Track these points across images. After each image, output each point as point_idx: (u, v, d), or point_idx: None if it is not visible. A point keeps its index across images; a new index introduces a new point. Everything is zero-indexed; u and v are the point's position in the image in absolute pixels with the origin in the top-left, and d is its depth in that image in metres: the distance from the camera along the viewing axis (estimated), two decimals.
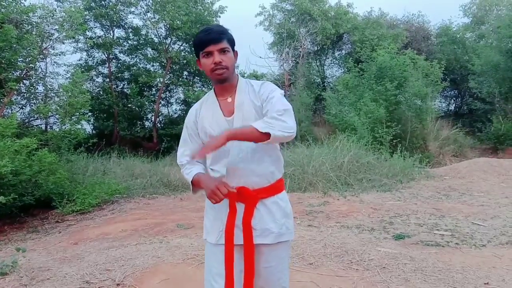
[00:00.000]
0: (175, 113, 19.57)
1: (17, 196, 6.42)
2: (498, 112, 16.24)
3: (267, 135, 1.80)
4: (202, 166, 2.10)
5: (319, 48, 21.85)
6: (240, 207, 1.97)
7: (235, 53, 2.03)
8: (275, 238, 2.00)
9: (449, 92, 22.19)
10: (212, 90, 2.10)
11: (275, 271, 2.03)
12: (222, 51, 1.92)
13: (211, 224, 2.06)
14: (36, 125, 10.88)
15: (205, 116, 2.05)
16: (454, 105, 22.92)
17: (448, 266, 3.80)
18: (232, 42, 1.99)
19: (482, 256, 4.10)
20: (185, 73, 19.21)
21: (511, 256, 4.09)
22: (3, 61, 8.46)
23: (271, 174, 2.02)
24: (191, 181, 2.03)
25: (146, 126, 18.55)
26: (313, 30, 19.82)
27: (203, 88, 18.83)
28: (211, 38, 1.90)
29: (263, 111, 1.95)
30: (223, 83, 2.00)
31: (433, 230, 5.17)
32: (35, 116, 10.16)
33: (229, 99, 2.02)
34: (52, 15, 9.71)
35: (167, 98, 19.41)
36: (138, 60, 18.33)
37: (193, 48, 2.08)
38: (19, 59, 9.20)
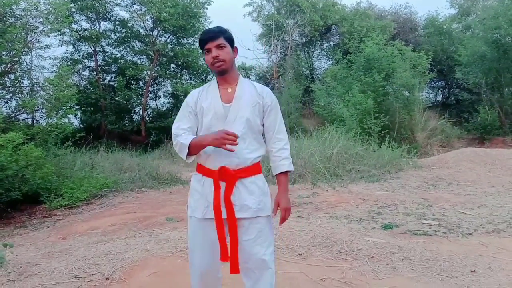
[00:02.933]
0: (163, 106, 19.47)
1: (3, 192, 6.34)
2: (485, 103, 16.43)
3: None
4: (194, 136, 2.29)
5: (307, 39, 21.85)
6: (221, 185, 2.20)
7: (235, 49, 2.31)
8: (254, 213, 2.22)
9: (436, 83, 22.37)
10: (215, 79, 2.36)
11: (254, 244, 2.22)
12: (219, 47, 2.20)
13: (196, 202, 2.27)
14: (22, 120, 10.72)
15: (205, 98, 2.30)
16: (441, 95, 23.13)
17: (435, 254, 3.85)
18: (230, 40, 2.26)
19: (469, 245, 4.16)
20: (173, 65, 19.10)
21: (497, 244, 4.15)
22: None
23: (251, 158, 2.25)
24: (189, 144, 2.20)
25: (134, 120, 18.44)
26: (302, 21, 19.80)
27: (191, 81, 18.74)
28: (209, 37, 2.21)
29: (264, 116, 2.31)
30: (223, 74, 2.27)
31: (420, 220, 5.23)
32: (21, 110, 10.00)
33: (229, 90, 2.29)
34: (36, 7, 9.53)
35: (155, 91, 19.30)
36: (125, 53, 18.18)
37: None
38: (3, 53, 9.05)
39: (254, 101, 2.27)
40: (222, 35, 2.23)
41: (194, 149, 2.20)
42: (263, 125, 2.33)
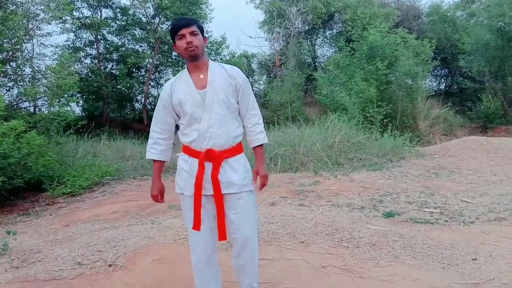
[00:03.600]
0: None
1: (6, 179, 6.37)
2: (488, 91, 16.34)
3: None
4: (166, 147, 2.57)
5: (310, 27, 21.68)
6: (208, 165, 2.38)
7: (205, 39, 2.46)
8: (239, 188, 2.43)
9: (440, 71, 22.23)
10: (185, 68, 2.49)
11: (241, 216, 2.44)
12: (193, 33, 2.36)
13: (185, 181, 2.45)
14: (24, 108, 10.74)
15: (179, 89, 2.43)
16: (444, 84, 22.99)
17: (437, 242, 3.85)
18: (201, 29, 2.43)
19: (471, 233, 4.16)
20: (174, 53, 18.98)
21: (498, 232, 4.15)
22: None
23: (234, 138, 2.45)
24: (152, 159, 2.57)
25: (136, 108, 18.41)
26: (304, 9, 19.63)
27: None
28: (183, 23, 2.36)
29: (238, 95, 2.49)
30: (195, 60, 2.41)
31: (422, 208, 5.23)
32: (23, 98, 10.02)
33: (201, 76, 2.43)
34: None
35: (157, 79, 19.24)
36: (126, 41, 18.06)
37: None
38: (4, 41, 9.02)
39: (226, 83, 2.44)
40: (195, 23, 2.39)
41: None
42: (238, 104, 2.51)
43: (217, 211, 2.41)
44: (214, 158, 2.38)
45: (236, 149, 2.48)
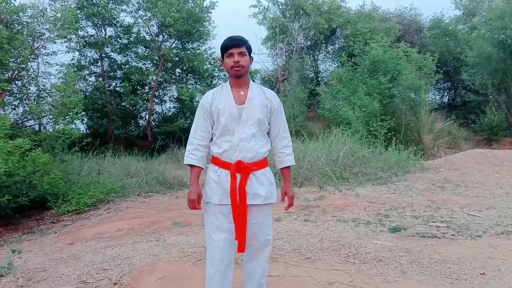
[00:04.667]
0: (169, 111, 19.48)
1: (11, 197, 6.36)
2: (491, 104, 16.33)
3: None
4: (205, 154, 2.64)
5: (312, 42, 21.83)
6: (237, 177, 2.51)
7: (251, 58, 2.61)
8: (263, 200, 2.59)
9: (443, 85, 22.25)
10: (228, 82, 2.66)
11: (260, 226, 2.62)
12: (241, 54, 2.51)
13: (213, 191, 2.58)
14: (30, 126, 10.79)
15: (220, 100, 2.58)
16: (447, 97, 23.00)
17: (444, 257, 3.82)
18: (249, 50, 2.57)
19: (478, 247, 4.12)
20: (178, 70, 19.16)
21: (506, 246, 4.11)
22: None
23: (261, 153, 2.59)
24: (189, 164, 2.63)
25: (140, 125, 18.45)
26: (306, 25, 19.79)
27: (197, 86, 18.77)
28: (234, 43, 2.52)
29: (271, 117, 2.65)
30: (239, 78, 2.57)
31: (429, 222, 5.19)
32: (28, 116, 10.07)
33: (242, 92, 2.59)
34: (43, 14, 9.62)
35: (161, 96, 19.31)
36: (130, 59, 18.22)
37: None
38: (10, 60, 9.12)
39: (263, 104, 2.60)
40: (244, 44, 2.54)
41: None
42: (269, 124, 2.66)
43: (240, 222, 2.52)
44: (243, 169, 2.52)
45: (263, 163, 2.63)
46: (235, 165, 2.50)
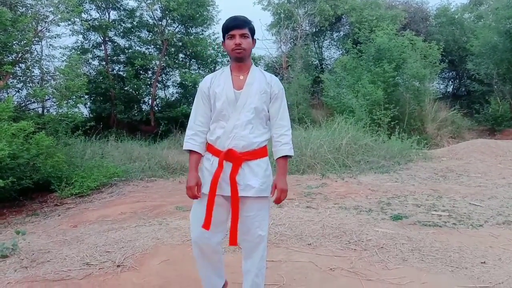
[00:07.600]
0: (172, 96, 19.44)
1: (15, 180, 6.41)
2: (496, 94, 16.23)
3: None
4: (204, 140, 2.52)
5: (317, 29, 21.64)
6: (228, 166, 2.39)
7: (254, 41, 2.48)
8: (256, 192, 2.41)
9: (447, 74, 22.10)
10: (228, 66, 2.54)
11: (254, 220, 2.45)
12: (243, 35, 2.38)
13: (205, 179, 2.46)
14: (33, 109, 10.81)
15: (218, 84, 2.47)
16: (452, 86, 22.86)
17: (445, 246, 3.84)
18: (252, 31, 2.44)
19: (479, 236, 4.14)
20: (181, 55, 19.05)
21: (507, 235, 4.13)
22: None
23: (256, 142, 2.44)
24: (188, 150, 2.51)
25: (143, 109, 18.45)
26: (312, 11, 19.62)
27: (200, 71, 18.70)
28: (236, 24, 2.38)
29: (269, 105, 2.49)
30: (240, 61, 2.45)
31: (430, 211, 5.21)
32: (32, 99, 10.08)
33: (241, 77, 2.46)
34: None
35: (164, 81, 19.26)
36: (133, 43, 18.14)
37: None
38: (14, 42, 9.09)
39: (262, 89, 2.45)
40: (247, 25, 2.41)
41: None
42: (268, 111, 2.52)
43: (232, 214, 2.40)
44: (234, 158, 2.39)
45: (259, 153, 2.47)
46: (224, 153, 2.38)
